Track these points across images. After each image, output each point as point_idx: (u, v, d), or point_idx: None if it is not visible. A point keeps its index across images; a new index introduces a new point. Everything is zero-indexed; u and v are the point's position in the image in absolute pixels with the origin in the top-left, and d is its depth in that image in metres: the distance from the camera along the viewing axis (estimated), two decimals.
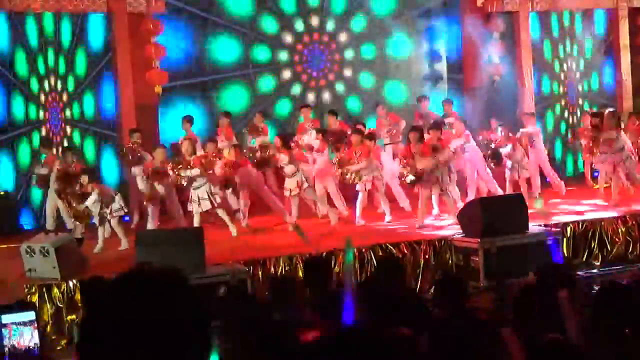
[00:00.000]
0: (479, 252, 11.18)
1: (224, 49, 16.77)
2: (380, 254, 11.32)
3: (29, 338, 9.03)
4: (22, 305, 9.24)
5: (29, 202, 15.02)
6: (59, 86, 15.23)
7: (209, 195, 12.72)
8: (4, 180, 14.95)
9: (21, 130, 15.05)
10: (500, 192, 14.69)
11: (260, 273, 10.90)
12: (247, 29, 16.92)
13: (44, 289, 10.22)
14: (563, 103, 19.05)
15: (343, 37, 17.76)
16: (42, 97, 15.11)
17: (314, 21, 17.58)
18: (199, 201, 12.71)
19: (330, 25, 17.67)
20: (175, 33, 16.11)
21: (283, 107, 17.28)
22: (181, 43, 16.29)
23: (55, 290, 10.23)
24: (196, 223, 12.58)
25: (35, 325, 8.87)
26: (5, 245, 12.99)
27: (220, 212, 13.03)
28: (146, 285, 2.25)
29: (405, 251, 11.57)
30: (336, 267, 10.81)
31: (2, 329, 8.70)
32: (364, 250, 11.50)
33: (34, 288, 10.22)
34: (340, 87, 17.76)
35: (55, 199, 13.37)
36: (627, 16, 19.41)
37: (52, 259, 10.31)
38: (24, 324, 8.91)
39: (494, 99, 17.31)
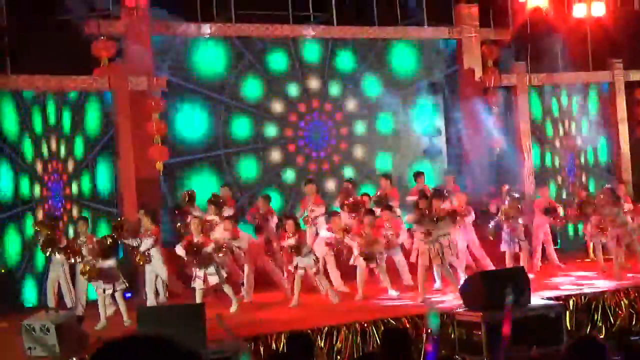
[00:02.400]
0: (481, 326, 11.12)
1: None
2: (382, 328, 11.26)
3: None
4: None
5: (32, 279, 14.84)
6: (61, 164, 15.23)
7: (216, 270, 12.68)
8: (10, 256, 14.79)
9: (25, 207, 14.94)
10: (492, 267, 14.58)
11: (262, 349, 10.83)
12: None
13: None
14: (561, 176, 19.12)
15: (339, 115, 18.00)
16: (44, 175, 15.09)
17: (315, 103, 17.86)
18: (204, 277, 12.65)
19: (328, 106, 17.90)
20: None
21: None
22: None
23: None
24: (198, 299, 12.50)
25: None
26: (6, 323, 12.87)
27: (226, 288, 12.96)
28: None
29: (407, 325, 11.51)
30: (321, 343, 11.03)
31: None
32: (365, 325, 11.45)
33: None
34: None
35: (57, 274, 13.25)
36: (623, 89, 19.63)
37: (53, 336, 10.26)
38: None
39: (495, 171, 17.44)
